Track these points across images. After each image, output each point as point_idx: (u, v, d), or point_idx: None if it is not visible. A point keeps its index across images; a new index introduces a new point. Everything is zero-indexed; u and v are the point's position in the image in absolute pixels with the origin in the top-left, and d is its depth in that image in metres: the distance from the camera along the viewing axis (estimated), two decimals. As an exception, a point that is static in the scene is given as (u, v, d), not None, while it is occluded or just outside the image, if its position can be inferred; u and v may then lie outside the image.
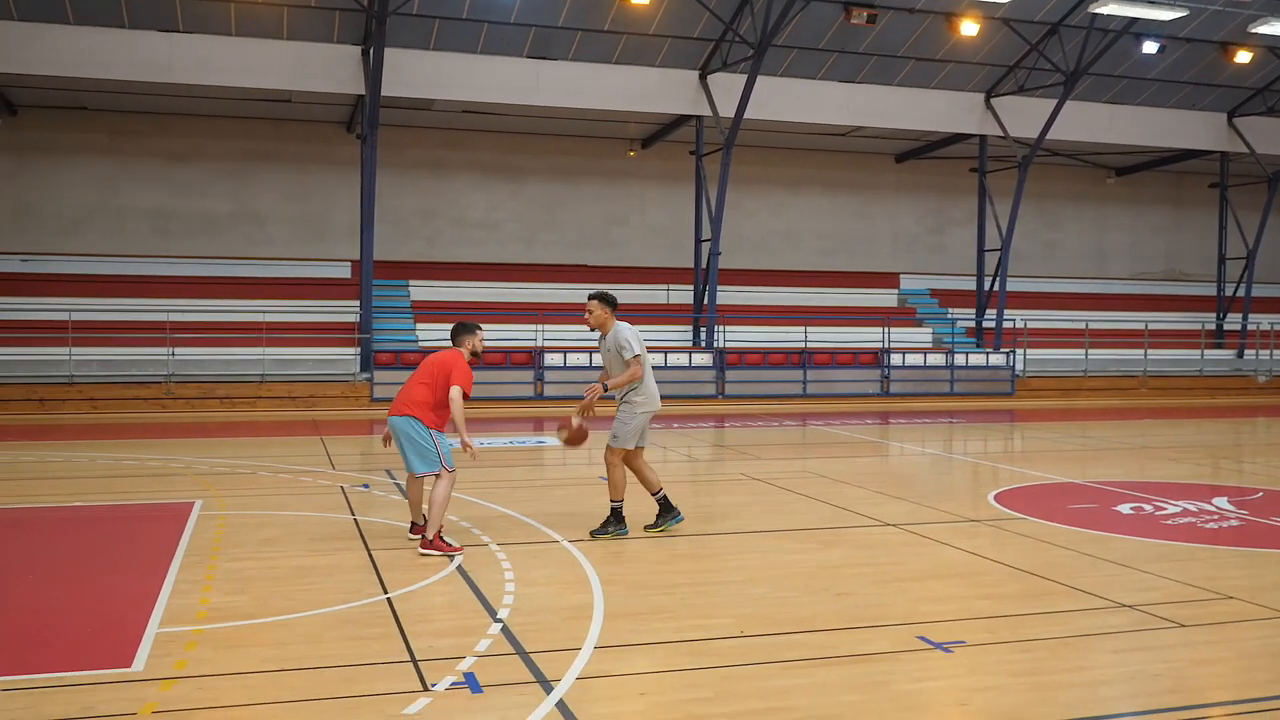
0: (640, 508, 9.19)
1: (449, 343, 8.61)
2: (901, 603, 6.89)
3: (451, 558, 7.92)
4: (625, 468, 8.84)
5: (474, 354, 8.52)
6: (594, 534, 8.71)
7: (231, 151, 26.16)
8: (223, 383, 21.75)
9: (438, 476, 8.17)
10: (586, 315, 8.83)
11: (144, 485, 11.71)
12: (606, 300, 8.80)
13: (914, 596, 7.06)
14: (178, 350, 22.00)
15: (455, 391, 8.10)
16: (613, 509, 8.80)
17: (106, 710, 4.87)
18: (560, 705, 5.00)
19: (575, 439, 8.74)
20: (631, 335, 8.64)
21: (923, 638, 6.07)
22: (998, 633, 6.23)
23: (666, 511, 9.02)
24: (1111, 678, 5.58)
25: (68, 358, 21.44)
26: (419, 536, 8.40)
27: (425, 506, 8.42)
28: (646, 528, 8.99)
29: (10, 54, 21.31)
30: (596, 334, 8.95)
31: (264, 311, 22.79)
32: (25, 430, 17.78)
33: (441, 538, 8.07)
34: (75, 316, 21.88)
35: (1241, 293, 30.48)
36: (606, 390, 8.63)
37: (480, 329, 8.65)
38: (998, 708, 5.05)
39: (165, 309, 22.59)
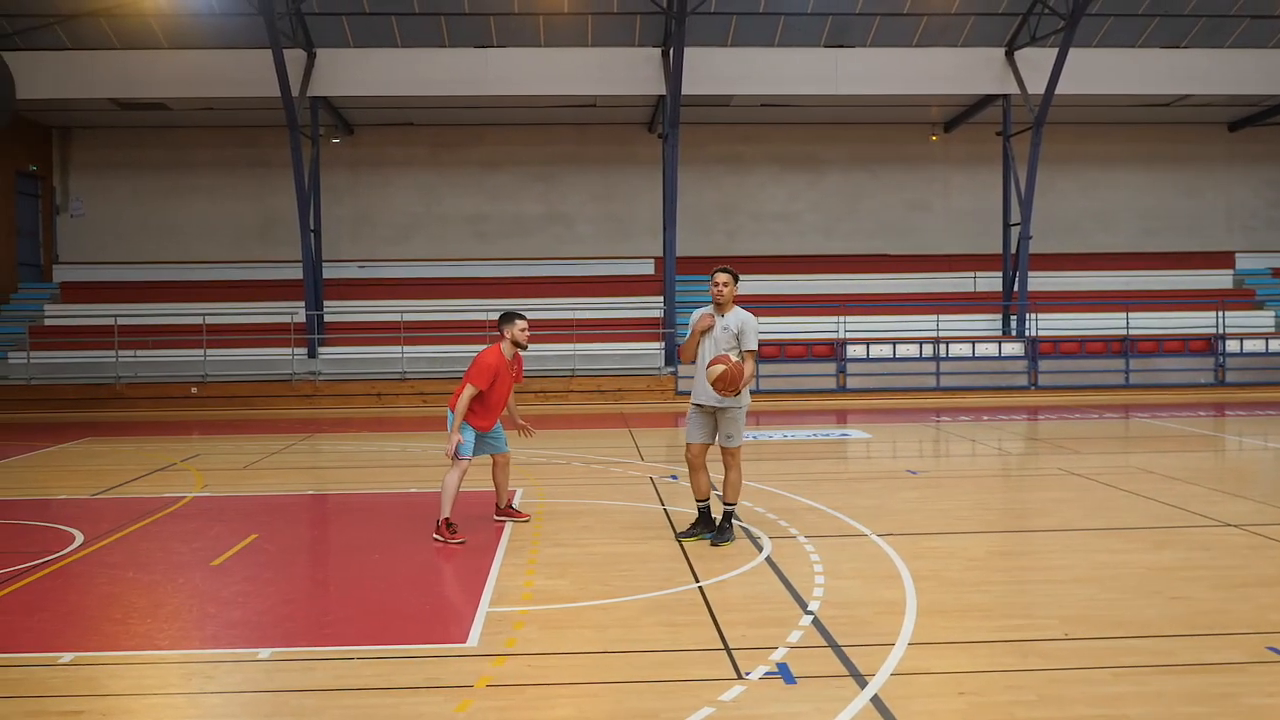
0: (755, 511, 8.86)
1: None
2: (1247, 610, 6.34)
3: (461, 543, 8.31)
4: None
5: (515, 344, 8.68)
6: (714, 542, 8.14)
7: (540, 157, 27.45)
8: (537, 377, 22.88)
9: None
10: (722, 287, 8.06)
11: (469, 474, 12.46)
12: (737, 277, 8.19)
13: (1261, 604, 6.47)
14: (496, 347, 23.29)
15: (466, 390, 8.39)
16: (727, 513, 8.26)
17: (448, 682, 5.24)
18: (875, 700, 4.93)
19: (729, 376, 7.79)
20: (755, 328, 8.04)
21: (1274, 649, 5.56)
22: (1365, 647, 5.62)
23: (705, 523, 8.46)
24: None
25: (400, 355, 23.27)
26: (503, 518, 9.24)
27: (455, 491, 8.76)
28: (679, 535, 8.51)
29: (348, 78, 23.41)
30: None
31: (573, 309, 23.81)
32: (366, 422, 19.39)
33: (448, 525, 8.45)
34: (406, 318, 23.74)
35: None
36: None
37: (520, 318, 8.70)
38: (1369, 730, 4.56)
39: (484, 309, 24.03)
